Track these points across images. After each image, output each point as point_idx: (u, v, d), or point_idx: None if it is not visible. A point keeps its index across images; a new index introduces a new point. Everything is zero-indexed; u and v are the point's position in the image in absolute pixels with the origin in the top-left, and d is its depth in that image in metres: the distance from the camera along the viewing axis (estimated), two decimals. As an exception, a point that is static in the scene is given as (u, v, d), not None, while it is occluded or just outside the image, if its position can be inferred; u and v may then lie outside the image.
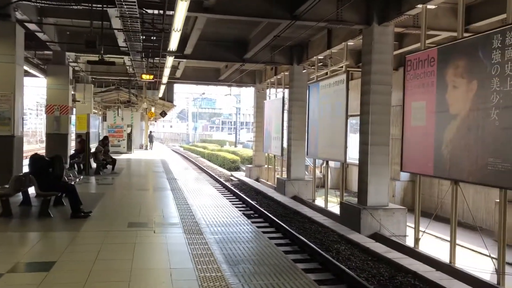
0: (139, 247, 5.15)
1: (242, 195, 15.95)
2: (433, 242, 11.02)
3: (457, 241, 9.20)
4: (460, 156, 7.99)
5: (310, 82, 16.83)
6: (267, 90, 23.74)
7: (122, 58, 16.96)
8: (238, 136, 48.33)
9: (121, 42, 14.52)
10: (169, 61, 13.09)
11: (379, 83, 11.14)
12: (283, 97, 19.41)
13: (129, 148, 25.03)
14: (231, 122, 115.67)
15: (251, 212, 12.91)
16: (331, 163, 22.87)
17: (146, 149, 29.65)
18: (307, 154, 16.37)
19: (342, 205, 11.96)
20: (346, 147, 12.91)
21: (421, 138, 9.21)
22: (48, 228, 6.19)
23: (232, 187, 18.12)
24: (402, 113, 10.00)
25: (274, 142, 20.29)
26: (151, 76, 14.13)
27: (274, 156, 21.16)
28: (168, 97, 24.85)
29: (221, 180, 20.90)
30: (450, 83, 8.30)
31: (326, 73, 14.90)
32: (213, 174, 23.15)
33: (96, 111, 31.02)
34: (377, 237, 10.70)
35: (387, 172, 11.36)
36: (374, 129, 11.15)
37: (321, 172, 24.25)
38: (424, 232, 9.55)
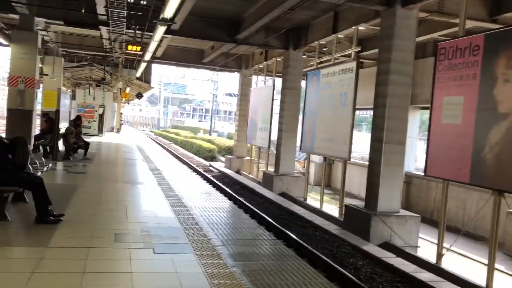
0: (139, 281, 3.49)
1: (227, 189, 14.47)
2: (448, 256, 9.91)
3: (462, 252, 8.15)
4: (510, 162, 6.76)
5: (308, 69, 15.45)
6: (254, 77, 22.22)
7: (99, 29, 15.03)
8: (213, 124, 46.57)
9: (100, 9, 12.67)
10: (159, 33, 11.35)
11: (399, 73, 9.83)
12: (274, 85, 17.95)
13: (100, 130, 23.05)
14: (202, 110, 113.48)
15: (241, 210, 11.43)
16: (315, 158, 21.74)
17: (117, 132, 27.64)
18: (300, 149, 14.99)
19: (347, 209, 10.65)
20: (351, 143, 11.60)
21: (454, 139, 7.95)
22: (2, 240, 4.38)
23: (214, 180, 16.58)
24: (430, 108, 8.71)
25: (260, 133, 18.82)
26: (139, 48, 12.35)
27: (259, 148, 19.71)
28: (146, 77, 22.95)
29: (200, 170, 19.31)
30: (501, 76, 7.04)
31: (329, 60, 13.50)
32: (191, 164, 21.49)
33: (65, 88, 28.67)
34: (388, 247, 9.45)
35: (401, 174, 10.12)
36: (391, 125, 9.85)
37: (303, 167, 23.05)
38: (448, 249, 8.34)
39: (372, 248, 8.28)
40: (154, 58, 20.57)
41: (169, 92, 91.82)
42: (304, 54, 15.38)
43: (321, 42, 14.14)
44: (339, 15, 12.77)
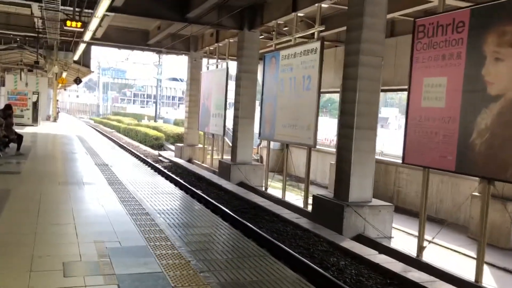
0: None
1: (181, 181, 13.38)
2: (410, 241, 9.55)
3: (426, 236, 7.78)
4: (502, 148, 6.26)
5: (266, 51, 14.55)
6: (204, 60, 21.00)
7: (30, 6, 13.25)
8: (159, 110, 44.59)
9: None
10: (102, 6, 9.88)
11: (370, 54, 9.14)
12: (227, 68, 16.90)
13: (35, 120, 20.96)
14: (144, 95, 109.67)
15: (202, 204, 10.42)
16: (270, 145, 21.02)
17: (54, 121, 25.45)
18: (259, 135, 14.13)
19: (316, 200, 9.95)
20: (316, 129, 10.88)
21: (437, 124, 7.39)
22: None
23: (167, 171, 15.38)
24: (408, 91, 8.10)
25: (214, 119, 17.76)
26: (80, 24, 10.79)
27: (213, 135, 18.66)
28: (84, 61, 21.03)
29: (150, 161, 17.99)
30: (490, 54, 6.49)
31: (290, 41, 12.64)
32: (139, 154, 20.07)
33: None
34: (362, 239, 8.88)
35: (373, 161, 9.52)
36: (362, 110, 9.18)
37: (257, 153, 22.30)
38: (430, 241, 7.85)
39: (350, 244, 7.61)
40: (94, 40, 18.80)
41: (108, 77, 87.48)
42: (261, 35, 14.40)
43: (279, 22, 13.25)
44: (299, -8, 11.92)
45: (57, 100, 29.08)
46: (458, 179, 12.16)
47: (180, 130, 30.72)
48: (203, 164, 19.03)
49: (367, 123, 9.28)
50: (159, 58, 22.46)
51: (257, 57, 15.33)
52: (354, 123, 9.17)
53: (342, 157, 9.52)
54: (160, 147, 28.53)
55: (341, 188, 9.48)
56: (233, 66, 17.41)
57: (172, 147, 27.83)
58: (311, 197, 11.25)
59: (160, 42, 19.92)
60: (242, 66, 15.14)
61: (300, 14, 12.15)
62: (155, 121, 43.73)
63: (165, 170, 15.54)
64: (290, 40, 12.64)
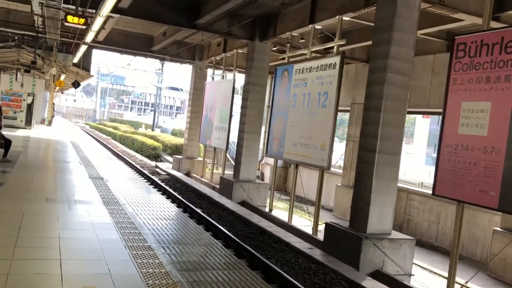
0: None
1: (180, 197, 12.47)
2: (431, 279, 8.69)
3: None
4: (560, 188, 5.44)
5: (277, 63, 13.80)
6: (209, 70, 20.23)
7: (30, 2, 12.43)
8: (157, 119, 43.70)
9: None
10: (108, 5, 9.02)
11: (397, 72, 8.37)
12: (234, 79, 16.11)
13: (28, 123, 20.03)
14: (142, 103, 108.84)
15: (202, 225, 9.52)
16: (270, 161, 20.19)
17: (49, 124, 24.51)
18: (266, 153, 13.26)
19: (329, 228, 9.06)
20: (331, 150, 10.05)
21: (476, 154, 6.57)
22: None
23: (164, 185, 14.46)
24: (442, 116, 7.28)
25: (217, 132, 16.92)
26: (82, 20, 9.93)
27: (215, 149, 17.79)
28: (84, 64, 20.22)
29: (147, 173, 17.06)
30: (548, 79, 5.71)
31: (304, 54, 11.86)
32: (135, 165, 19.12)
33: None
34: (380, 276, 7.99)
35: (394, 189, 8.67)
36: (386, 133, 8.37)
37: (258, 169, 21.44)
38: (463, 285, 6.98)
39: (372, 284, 6.71)
40: (95, 43, 18.00)
41: (107, 83, 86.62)
42: (275, 46, 13.62)
43: (294, 34, 12.48)
44: (317, 2, 11.19)
45: (53, 104, 28.15)
46: (476, 211, 11.38)
47: (178, 141, 29.84)
48: (202, 179, 18.12)
49: (391, 148, 8.46)
50: (162, 65, 21.76)
51: (267, 69, 14.56)
52: (377, 147, 8.35)
53: (361, 184, 8.65)
54: (157, 157, 27.60)
55: (358, 217, 8.61)
56: (239, 78, 16.67)
57: (169, 158, 26.91)
58: (322, 224, 10.39)
59: (164, 49, 19.15)
60: (250, 78, 14.34)
61: (317, 27, 11.39)
62: (152, 129, 42.80)
63: (163, 184, 14.61)
64: (305, 54, 11.87)
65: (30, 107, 19.87)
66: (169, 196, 12.81)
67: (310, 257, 7.94)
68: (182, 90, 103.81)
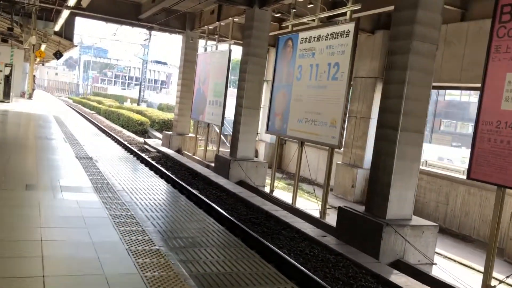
0: None
1: (175, 177, 11.54)
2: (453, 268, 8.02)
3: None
4: None
5: (280, 32, 12.75)
6: (201, 41, 19.01)
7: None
8: (143, 93, 42.18)
9: None
10: None
11: (424, 40, 7.46)
12: (230, 50, 15.00)
13: (7, 96, 18.69)
14: (126, 76, 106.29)
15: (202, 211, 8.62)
16: (265, 137, 19.31)
17: (30, 98, 23.11)
18: (267, 129, 12.33)
19: (343, 213, 8.24)
20: (343, 127, 9.17)
21: (524, 132, 5.75)
22: None
23: (155, 163, 13.50)
24: (481, 89, 6.41)
25: (210, 107, 15.88)
26: None
27: (209, 125, 16.79)
28: (67, 33, 18.79)
29: (135, 150, 16.03)
30: None
31: (309, 22, 10.85)
32: (122, 141, 18.05)
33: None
34: (402, 266, 7.26)
35: (417, 171, 7.86)
36: (409, 107, 7.51)
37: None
38: (501, 281, 6.26)
39: (402, 280, 5.94)
40: (79, 9, 16.60)
41: (90, 55, 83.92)
42: (279, 13, 12.48)
43: (298, -1, 11.39)
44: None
45: (34, 76, 26.61)
46: (489, 191, 10.69)
47: (166, 116, 28.70)
48: (194, 156, 17.16)
49: (415, 125, 7.62)
50: (150, 35, 20.44)
51: (267, 39, 13.48)
52: (399, 124, 7.49)
53: (380, 164, 7.82)
54: (144, 133, 26.50)
55: (376, 201, 7.82)
56: (234, 49, 15.54)
57: (157, 134, 25.83)
58: (330, 207, 9.62)
59: (152, 17, 17.84)
60: (249, 48, 13.26)
61: (326, -9, 10.35)
62: (138, 104, 41.39)
63: (154, 162, 13.63)
64: (312, 21, 10.85)
65: (8, 78, 18.49)
66: (162, 175, 11.86)
67: (326, 246, 7.14)
68: (167, 64, 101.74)
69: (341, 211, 8.32)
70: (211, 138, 18.80)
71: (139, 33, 35.17)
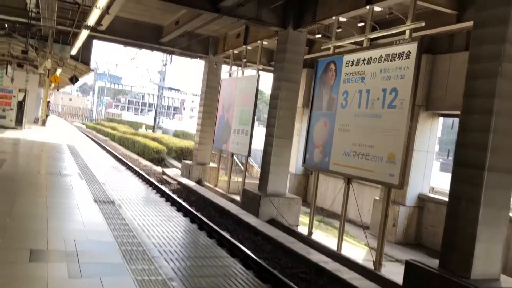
0: None
1: (201, 216, 10.21)
2: None
3: None
4: None
5: (320, 55, 11.60)
6: (224, 66, 17.99)
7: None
8: (158, 119, 41.29)
9: None
10: None
11: (514, 61, 6.17)
12: (259, 75, 13.87)
13: (19, 123, 17.69)
14: (138, 102, 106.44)
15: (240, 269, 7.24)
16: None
17: (43, 124, 22.17)
18: (304, 162, 11.00)
19: (413, 269, 6.80)
20: (405, 163, 7.81)
21: None
22: None
23: (175, 197, 12.21)
24: None
25: (236, 136, 14.65)
26: None
27: (232, 155, 15.52)
28: (84, 57, 17.91)
29: (154, 181, 14.78)
30: None
31: (352, 43, 9.66)
32: (139, 171, 16.84)
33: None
34: None
35: (506, 219, 6.45)
36: (499, 143, 6.15)
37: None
38: None
39: None
40: (97, 32, 15.69)
41: (105, 82, 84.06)
42: (319, 34, 11.30)
43: (341, 18, 10.24)
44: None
45: (48, 102, 25.78)
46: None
47: (183, 143, 27.54)
48: (216, 188, 15.84)
49: (506, 163, 6.24)
50: (170, 60, 19.55)
51: (302, 63, 12.33)
52: (486, 163, 6.12)
53: (460, 212, 6.42)
54: (161, 161, 25.30)
55: (455, 257, 6.39)
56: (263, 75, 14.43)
57: (174, 162, 24.62)
58: (390, 260, 8.19)
59: (174, 41, 16.88)
60: (281, 73, 12.09)
61: (377, 9, 9.16)
62: (153, 130, 40.41)
63: (175, 197, 12.34)
64: (355, 42, 9.66)
65: (21, 104, 17.53)
66: (186, 213, 10.56)
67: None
68: (179, 90, 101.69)
69: (409, 267, 6.88)
70: (235, 168, 17.53)
71: (156, 59, 34.55)
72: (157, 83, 39.46)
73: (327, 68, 10.26)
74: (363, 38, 9.31)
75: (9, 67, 18.69)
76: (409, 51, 7.91)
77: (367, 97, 8.84)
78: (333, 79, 9.97)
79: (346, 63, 9.57)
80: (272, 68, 18.24)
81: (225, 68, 18.30)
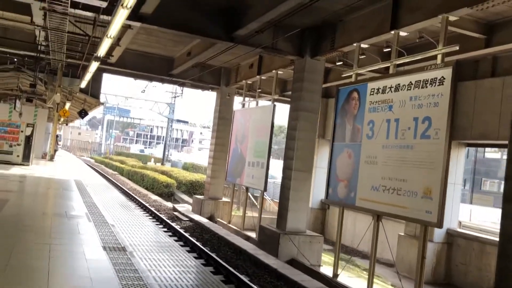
0: None
1: (217, 258, 9.44)
2: None
3: None
4: None
5: (340, 83, 11.08)
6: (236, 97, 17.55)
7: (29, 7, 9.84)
8: (167, 152, 40.83)
9: None
10: (121, 15, 6.20)
11: None
12: (274, 105, 13.35)
13: (26, 158, 17.21)
14: (147, 135, 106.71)
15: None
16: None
17: (51, 159, 21.69)
18: (326, 197, 10.26)
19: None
20: (443, 199, 7.08)
21: None
22: None
23: (188, 235, 11.48)
24: None
25: (250, 169, 14.00)
26: None
27: (247, 189, 14.83)
28: (93, 90, 17.56)
29: (164, 217, 14.06)
30: None
31: (374, 69, 9.11)
32: (149, 206, 16.17)
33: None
34: None
35: None
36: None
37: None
38: None
39: None
40: (107, 65, 15.39)
41: (113, 115, 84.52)
42: (340, 61, 10.78)
43: (363, 45, 9.74)
44: (402, 1, 8.50)
45: (57, 136, 25.44)
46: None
47: (193, 176, 26.90)
48: (230, 225, 15.07)
49: None
50: (181, 91, 19.23)
51: (320, 92, 11.80)
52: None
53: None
54: (170, 195, 24.64)
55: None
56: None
57: (184, 197, 23.93)
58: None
59: (185, 73, 16.51)
60: (299, 103, 11.54)
61: (403, 33, 8.64)
62: (162, 164, 39.87)
63: (188, 235, 11.60)
64: (379, 67, 9.11)
65: (29, 139, 17.11)
66: (200, 254, 9.82)
67: None
68: (187, 122, 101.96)
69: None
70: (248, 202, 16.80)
71: (165, 91, 34.42)
72: (167, 115, 39.21)
73: (350, 97, 9.68)
74: (389, 64, 8.75)
75: (17, 101, 18.38)
76: (442, 76, 7.32)
77: (396, 126, 8.20)
78: (357, 108, 9.38)
79: (371, 91, 8.99)
80: (285, 99, 17.83)
81: (237, 99, 17.87)
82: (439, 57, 7.59)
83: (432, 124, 7.43)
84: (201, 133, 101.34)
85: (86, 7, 9.29)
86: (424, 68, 7.83)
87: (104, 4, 6.00)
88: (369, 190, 8.71)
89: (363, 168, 8.96)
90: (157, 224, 11.19)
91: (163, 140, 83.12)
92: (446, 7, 7.49)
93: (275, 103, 13.69)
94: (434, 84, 7.49)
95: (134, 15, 9.15)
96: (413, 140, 7.77)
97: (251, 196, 19.02)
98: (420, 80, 7.77)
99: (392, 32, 8.61)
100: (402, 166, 7.94)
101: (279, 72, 13.55)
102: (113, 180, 25.01)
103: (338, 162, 9.85)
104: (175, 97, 29.59)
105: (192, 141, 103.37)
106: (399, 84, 8.26)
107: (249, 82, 15.65)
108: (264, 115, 13.65)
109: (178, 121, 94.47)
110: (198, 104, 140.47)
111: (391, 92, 8.44)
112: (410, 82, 7.99)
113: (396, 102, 8.27)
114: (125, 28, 11.05)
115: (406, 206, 7.73)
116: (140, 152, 68.85)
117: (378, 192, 8.43)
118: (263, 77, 14.55)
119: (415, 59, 8.24)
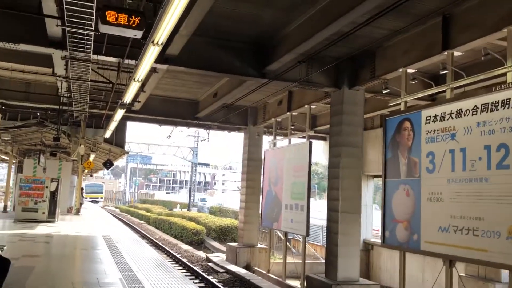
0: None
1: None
2: None
3: None
4: None
5: (386, 113, 10.20)
6: (266, 136, 16.78)
7: (51, 57, 9.36)
8: (193, 197, 40.00)
9: (52, 27, 7.36)
10: (151, 54, 5.54)
11: None
12: (310, 141, 12.46)
13: (52, 214, 16.55)
14: (170, 181, 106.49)
15: None
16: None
17: (77, 213, 21.05)
18: (383, 242, 9.14)
19: None
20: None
21: None
22: None
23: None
24: None
25: (288, 212, 12.98)
26: (137, 19, 6.11)
27: (286, 234, 13.76)
28: (118, 140, 17.04)
29: (199, 271, 13.03)
30: None
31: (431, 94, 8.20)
32: (181, 258, 15.18)
33: (7, 158, 22.23)
34: None
35: None
36: None
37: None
38: None
39: None
40: (132, 112, 14.86)
41: (136, 163, 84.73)
42: (386, 89, 9.92)
43: (409, 70, 8.90)
44: (454, 20, 7.69)
45: (82, 189, 24.94)
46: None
47: (223, 221, 25.88)
48: (269, 275, 13.91)
49: None
50: (207, 134, 18.73)
51: (362, 125, 10.91)
52: None
53: None
54: (200, 243, 23.60)
55: None
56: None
57: (215, 244, 22.85)
58: None
59: (210, 115, 15.88)
60: (339, 137, 10.65)
61: (457, 53, 7.78)
62: (188, 209, 38.97)
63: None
64: (435, 93, 8.21)
65: (54, 195, 16.51)
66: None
67: None
68: (208, 165, 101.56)
69: None
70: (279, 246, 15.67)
71: (187, 135, 34.04)
72: (190, 160, 38.66)
73: (401, 127, 8.75)
74: (445, 88, 7.85)
75: (41, 156, 17.95)
76: (518, 97, 6.37)
77: (463, 157, 7.19)
78: (411, 139, 8.42)
79: (427, 119, 8.05)
80: (316, 135, 16.97)
81: (265, 139, 17.11)
82: (509, 75, 6.66)
83: (510, 151, 6.41)
84: (223, 174, 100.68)
85: (109, 53, 8.79)
86: (488, 88, 6.90)
87: (139, 35, 5.31)
88: (436, 232, 7.61)
89: (425, 206, 7.90)
90: (195, 282, 10.15)
91: (186, 184, 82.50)
92: (510, 20, 6.65)
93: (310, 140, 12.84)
94: (506, 106, 6.53)
95: (160, 57, 8.55)
96: (487, 171, 6.74)
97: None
98: (488, 103, 6.82)
99: (445, 52, 7.77)
100: (476, 202, 6.88)
101: (312, 106, 12.77)
102: (141, 231, 24.15)
103: (394, 201, 8.80)
104: (198, 141, 29.12)
105: (215, 183, 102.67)
106: (461, 109, 7.32)
107: (278, 119, 14.89)
108: (299, 153, 12.76)
109: (200, 164, 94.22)
110: (219, 145, 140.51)
111: (452, 118, 7.49)
112: (475, 106, 7.04)
113: (460, 129, 7.30)
114: (150, 72, 10.49)
115: (487, 249, 6.61)
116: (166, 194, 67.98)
117: (448, 234, 7.33)
118: (294, 113, 13.78)
119: (478, 79, 7.32)
